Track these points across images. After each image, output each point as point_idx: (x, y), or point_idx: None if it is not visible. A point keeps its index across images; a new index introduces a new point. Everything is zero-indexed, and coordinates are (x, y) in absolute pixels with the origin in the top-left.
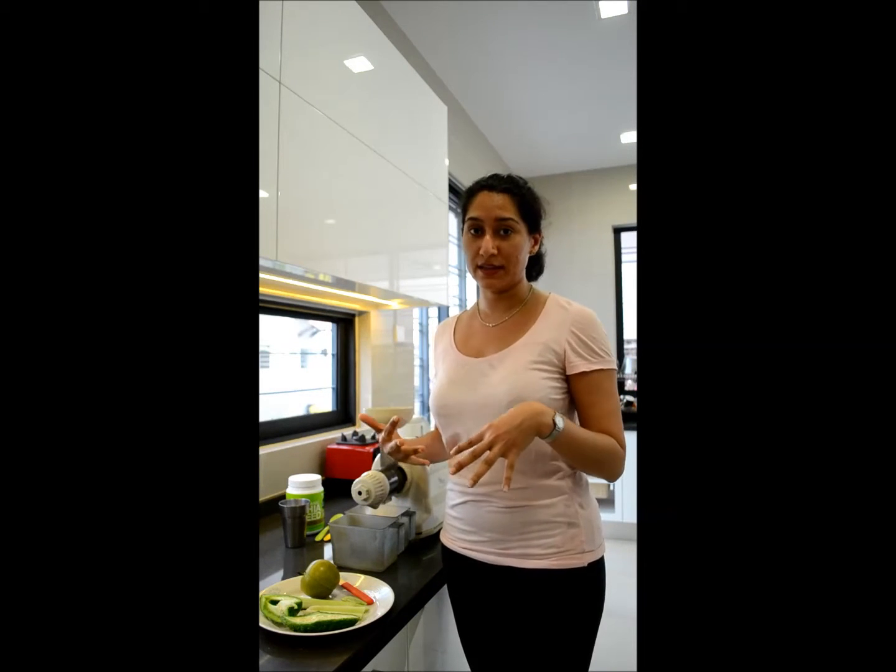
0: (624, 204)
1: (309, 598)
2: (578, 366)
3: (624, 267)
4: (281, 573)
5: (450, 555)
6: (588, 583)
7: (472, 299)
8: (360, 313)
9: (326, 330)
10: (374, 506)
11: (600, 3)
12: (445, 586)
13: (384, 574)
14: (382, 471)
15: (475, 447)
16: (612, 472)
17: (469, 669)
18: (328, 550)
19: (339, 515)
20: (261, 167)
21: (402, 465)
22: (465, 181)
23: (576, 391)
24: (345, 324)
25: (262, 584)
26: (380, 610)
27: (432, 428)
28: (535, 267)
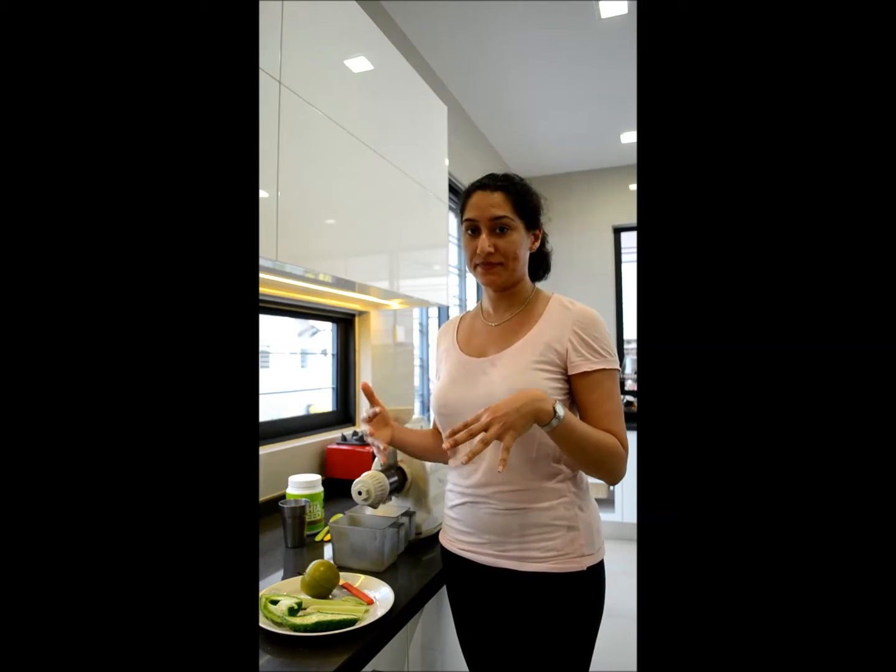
0: (624, 204)
1: (309, 598)
2: (580, 365)
3: (624, 267)
4: (281, 573)
5: (448, 556)
6: (587, 587)
7: (472, 299)
8: (360, 313)
9: (326, 330)
10: (374, 506)
11: (600, 3)
12: (445, 586)
13: (384, 574)
14: (382, 471)
15: (472, 427)
16: (612, 471)
17: (468, 670)
18: (328, 550)
19: (339, 515)
20: (261, 167)
21: (402, 465)
22: (465, 181)
23: (577, 391)
24: (345, 324)
25: (262, 584)
26: (380, 610)
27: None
28: (542, 266)
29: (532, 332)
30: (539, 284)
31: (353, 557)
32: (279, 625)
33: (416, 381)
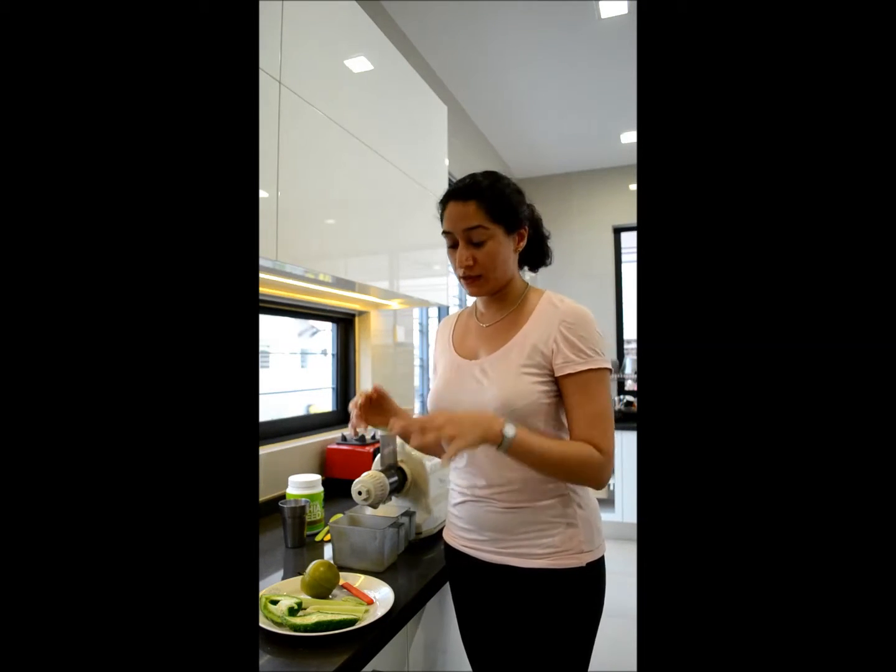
0: (624, 204)
1: (309, 598)
2: (563, 367)
3: (624, 267)
4: (281, 573)
5: (451, 552)
6: (587, 583)
7: (471, 299)
8: (360, 313)
9: (326, 330)
10: (374, 506)
11: (600, 3)
12: (445, 586)
13: (384, 574)
14: (382, 471)
15: (422, 423)
16: (589, 481)
17: (469, 669)
18: (328, 550)
19: (339, 515)
20: (261, 167)
21: (402, 465)
22: None
23: (563, 393)
24: (345, 324)
25: (262, 584)
26: (380, 610)
27: None
28: (538, 254)
29: (520, 334)
30: (539, 283)
31: (353, 557)
32: (279, 625)
33: (416, 381)
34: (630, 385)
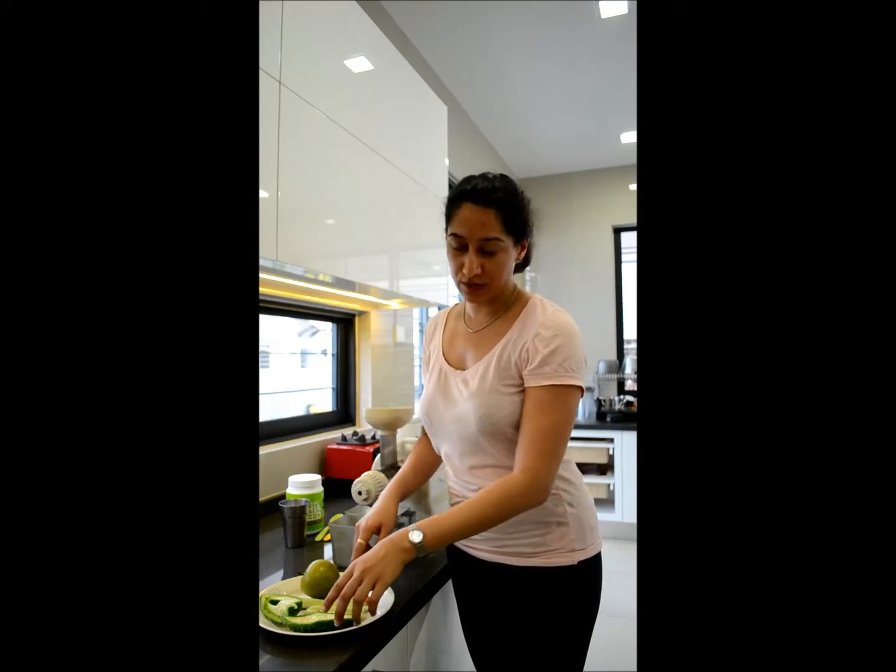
0: (624, 204)
1: (309, 598)
2: (528, 379)
3: (624, 267)
4: (281, 573)
5: (452, 549)
6: (580, 581)
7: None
8: (360, 313)
9: (326, 330)
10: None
11: (600, 3)
12: (447, 586)
13: None
14: (382, 471)
15: (344, 591)
16: (522, 508)
17: (469, 668)
18: (328, 550)
19: (339, 515)
20: (261, 167)
21: (401, 465)
22: None
23: (524, 401)
24: (345, 324)
25: (262, 584)
26: (380, 610)
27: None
28: (524, 259)
29: (500, 343)
30: (540, 284)
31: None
32: (279, 625)
33: (416, 381)
34: (630, 385)
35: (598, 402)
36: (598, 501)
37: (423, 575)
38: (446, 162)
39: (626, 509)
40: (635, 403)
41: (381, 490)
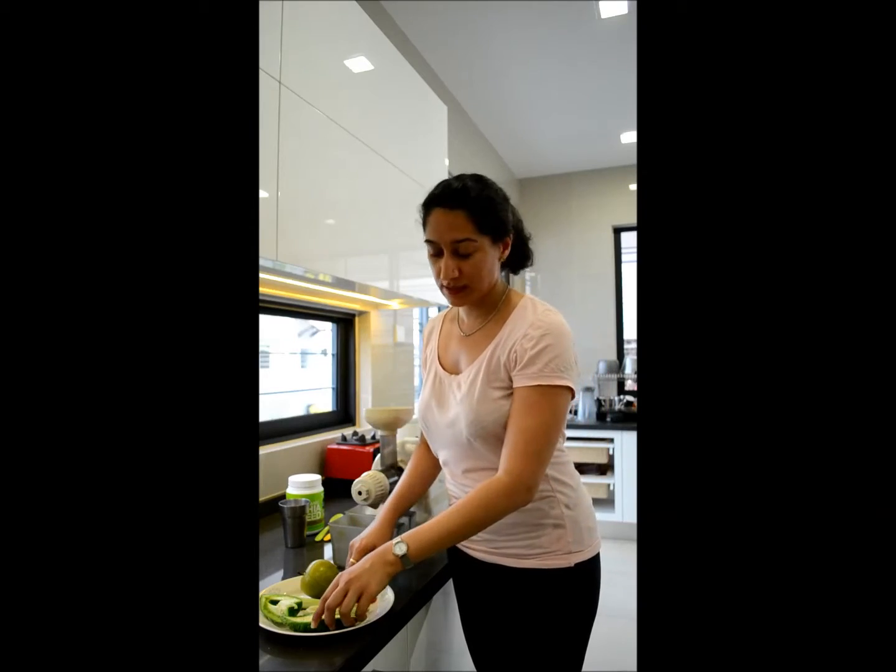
0: (624, 204)
1: (309, 598)
2: (515, 379)
3: (624, 267)
4: (281, 573)
5: (452, 549)
6: (577, 583)
7: None
8: (360, 313)
9: (326, 330)
10: (374, 506)
11: (600, 3)
12: (447, 586)
13: None
14: (382, 471)
15: (329, 603)
16: (506, 510)
17: (469, 668)
18: (328, 550)
19: (339, 515)
20: (261, 167)
21: (402, 465)
22: None
23: (512, 401)
24: (345, 324)
25: (262, 584)
26: (380, 610)
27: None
28: (520, 257)
29: (490, 346)
30: (540, 284)
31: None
32: (279, 625)
33: (416, 381)
34: (630, 385)
35: (598, 402)
36: (598, 501)
37: (423, 575)
38: (446, 162)
39: (625, 509)
40: (635, 403)
41: (382, 490)
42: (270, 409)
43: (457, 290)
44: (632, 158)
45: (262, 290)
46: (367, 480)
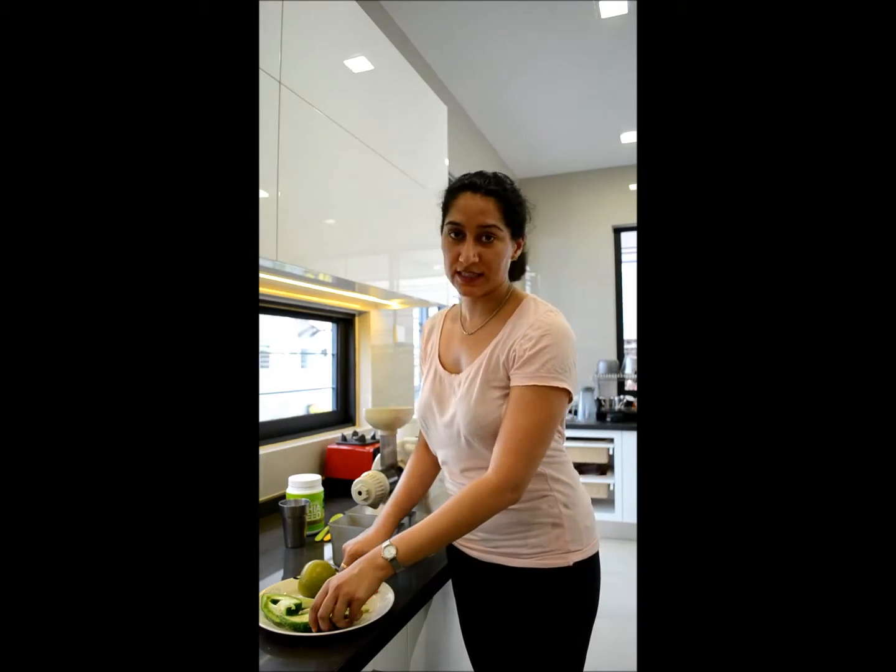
0: (624, 204)
1: (309, 598)
2: (512, 379)
3: (624, 267)
4: (281, 573)
5: (450, 549)
6: (575, 582)
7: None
8: (360, 313)
9: (326, 330)
10: (374, 506)
11: (600, 3)
12: (447, 586)
13: None
14: (382, 471)
15: (320, 612)
16: (493, 509)
17: (469, 668)
18: (328, 550)
19: (339, 515)
20: (261, 167)
21: (402, 465)
22: None
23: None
24: (345, 324)
25: (262, 584)
26: (380, 610)
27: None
28: (517, 268)
29: (490, 346)
30: (540, 284)
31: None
32: (279, 625)
33: (416, 381)
34: (630, 385)
35: (598, 402)
36: (598, 501)
37: (422, 575)
38: (446, 162)
39: (625, 509)
40: (635, 403)
41: (382, 490)
42: (270, 409)
43: (471, 277)
44: (632, 158)
45: (262, 290)
46: (367, 480)
